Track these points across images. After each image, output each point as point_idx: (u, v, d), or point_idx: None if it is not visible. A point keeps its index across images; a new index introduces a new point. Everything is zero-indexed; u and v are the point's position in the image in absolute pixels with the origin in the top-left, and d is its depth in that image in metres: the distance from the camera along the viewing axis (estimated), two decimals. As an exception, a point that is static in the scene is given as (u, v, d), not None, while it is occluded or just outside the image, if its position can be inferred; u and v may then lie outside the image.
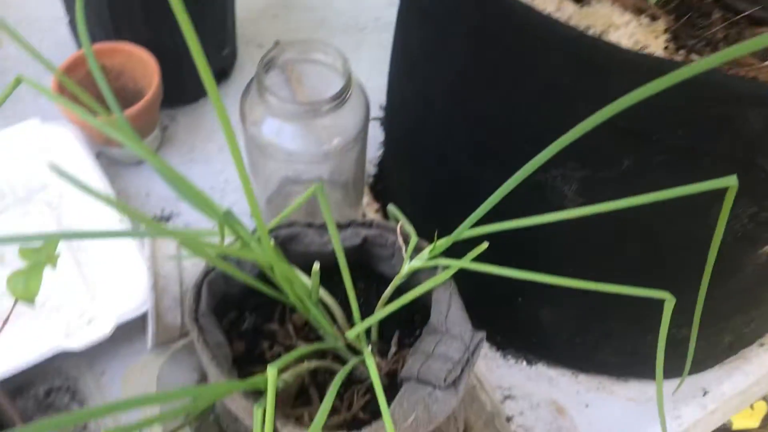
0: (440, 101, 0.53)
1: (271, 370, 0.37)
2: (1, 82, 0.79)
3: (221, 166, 0.75)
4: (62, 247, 0.66)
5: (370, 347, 0.43)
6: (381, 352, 0.48)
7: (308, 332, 0.49)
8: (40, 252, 0.36)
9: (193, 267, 0.57)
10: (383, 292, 0.45)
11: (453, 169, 0.55)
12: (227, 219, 0.38)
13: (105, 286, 0.62)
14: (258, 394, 0.39)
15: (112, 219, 0.64)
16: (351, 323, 0.46)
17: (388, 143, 0.72)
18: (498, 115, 0.48)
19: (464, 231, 0.41)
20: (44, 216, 0.69)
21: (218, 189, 0.73)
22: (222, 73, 0.81)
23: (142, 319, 0.60)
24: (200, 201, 0.38)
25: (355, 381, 0.47)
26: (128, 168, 0.73)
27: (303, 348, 0.42)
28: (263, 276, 0.44)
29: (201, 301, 0.43)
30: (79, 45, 0.78)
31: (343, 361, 0.47)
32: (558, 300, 0.56)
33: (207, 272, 0.45)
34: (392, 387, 0.44)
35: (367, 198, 0.72)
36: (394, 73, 0.61)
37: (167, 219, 0.71)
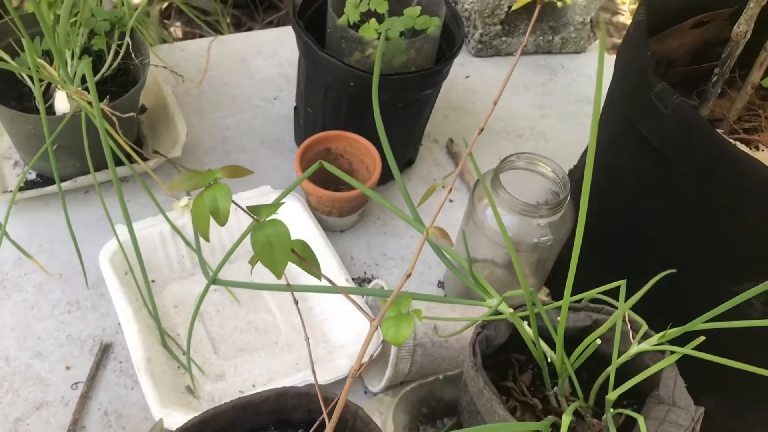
0: (649, 218, 0.65)
1: (566, 418, 0.49)
2: (233, 148, 0.93)
3: (409, 240, 0.88)
4: (286, 296, 0.79)
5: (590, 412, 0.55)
6: (594, 415, 0.59)
7: (534, 391, 0.60)
8: (399, 305, 0.49)
9: (423, 326, 0.69)
10: (591, 363, 0.57)
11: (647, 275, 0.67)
12: (533, 295, 0.51)
13: (335, 333, 0.74)
14: None
15: (338, 276, 0.77)
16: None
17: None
18: (706, 238, 0.61)
19: (696, 325, 0.53)
20: (269, 268, 0.82)
21: (407, 258, 0.86)
22: (408, 163, 0.95)
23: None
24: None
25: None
26: (335, 234, 0.87)
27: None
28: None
29: (477, 356, 0.55)
30: (302, 130, 0.92)
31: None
32: (723, 385, 0.67)
33: (477, 334, 0.57)
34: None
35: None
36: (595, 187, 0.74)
37: (369, 281, 0.83)
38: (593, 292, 0.54)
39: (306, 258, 0.46)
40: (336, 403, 0.42)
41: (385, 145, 0.56)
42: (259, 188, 0.84)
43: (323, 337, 0.75)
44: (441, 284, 0.85)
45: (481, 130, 0.41)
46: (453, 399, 0.70)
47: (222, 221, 0.36)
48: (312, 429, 0.47)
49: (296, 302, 0.46)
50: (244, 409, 0.47)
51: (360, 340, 0.72)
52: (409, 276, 0.41)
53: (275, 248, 0.38)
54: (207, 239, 0.37)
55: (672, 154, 0.61)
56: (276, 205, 0.40)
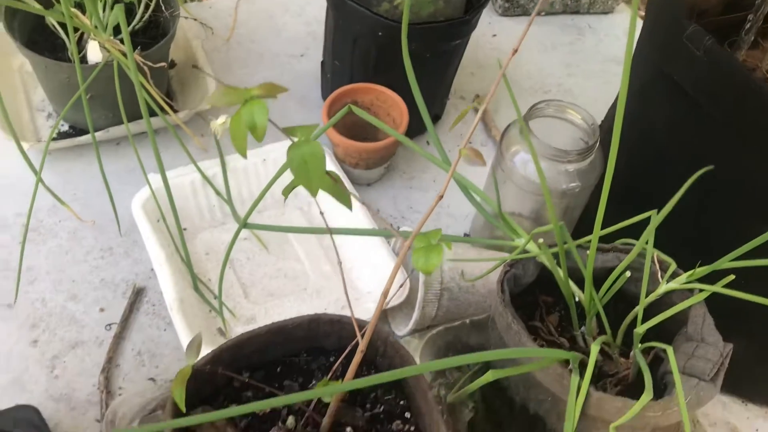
0: (679, 166, 0.65)
1: (594, 347, 0.50)
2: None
3: (435, 194, 0.88)
4: (314, 244, 0.80)
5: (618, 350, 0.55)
6: (621, 354, 0.60)
7: (561, 332, 0.61)
8: (427, 237, 0.49)
9: (450, 271, 0.70)
10: (619, 304, 0.58)
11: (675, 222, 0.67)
12: (563, 230, 0.51)
13: (362, 280, 0.75)
14: (565, 365, 0.51)
15: (365, 226, 0.78)
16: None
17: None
18: (737, 182, 0.61)
19: (724, 263, 0.53)
20: (297, 218, 0.83)
21: (434, 213, 0.87)
22: (435, 118, 0.95)
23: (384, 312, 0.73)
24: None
25: (604, 375, 0.58)
26: (362, 188, 0.87)
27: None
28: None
29: (505, 292, 0.56)
30: (329, 84, 0.92)
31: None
32: (750, 331, 0.67)
33: (506, 272, 0.57)
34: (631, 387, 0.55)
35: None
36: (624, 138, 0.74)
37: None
38: (622, 224, 0.54)
39: (338, 185, 0.46)
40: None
41: (415, 91, 0.56)
42: (285, 141, 0.84)
43: (351, 284, 0.76)
44: (467, 234, 0.85)
45: (499, 81, 0.41)
46: (479, 344, 0.71)
47: (259, 136, 0.37)
48: (343, 355, 0.48)
49: (327, 225, 0.47)
50: (278, 334, 0.48)
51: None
52: (441, 197, 0.42)
53: (310, 167, 0.39)
54: (244, 155, 0.38)
55: (704, 98, 0.61)
56: (312, 126, 0.41)
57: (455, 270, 0.69)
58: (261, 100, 0.38)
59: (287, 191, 0.48)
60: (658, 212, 0.49)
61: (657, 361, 0.57)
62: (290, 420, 0.48)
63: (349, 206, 0.48)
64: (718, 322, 0.56)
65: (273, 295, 0.75)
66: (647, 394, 0.46)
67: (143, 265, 0.77)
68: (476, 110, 1.01)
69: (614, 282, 0.53)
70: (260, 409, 0.36)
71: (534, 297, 0.62)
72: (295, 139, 0.40)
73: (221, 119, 0.39)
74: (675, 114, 0.66)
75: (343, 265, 0.78)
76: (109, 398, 0.67)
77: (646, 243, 0.53)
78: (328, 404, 0.47)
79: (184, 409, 0.39)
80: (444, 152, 0.59)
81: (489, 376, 0.49)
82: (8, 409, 0.62)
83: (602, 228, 0.51)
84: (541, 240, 0.51)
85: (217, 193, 0.78)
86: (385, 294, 0.43)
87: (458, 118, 0.47)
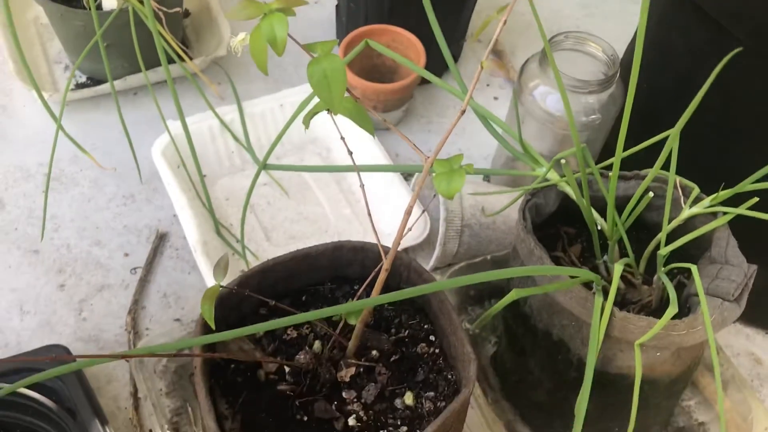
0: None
1: (618, 266, 0.50)
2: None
3: (453, 138, 0.88)
4: (334, 188, 0.80)
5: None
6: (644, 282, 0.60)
7: (584, 261, 0.61)
8: (449, 162, 0.49)
9: (471, 208, 0.69)
10: (641, 234, 0.58)
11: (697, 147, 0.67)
12: (585, 152, 0.51)
13: (382, 222, 0.76)
14: (588, 288, 0.52)
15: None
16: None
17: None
18: (760, 104, 0.60)
19: (745, 186, 0.52)
20: (317, 163, 0.83)
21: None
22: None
23: (406, 250, 0.74)
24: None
25: (627, 303, 0.58)
26: (380, 132, 0.87)
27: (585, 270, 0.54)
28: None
29: (527, 220, 0.56)
30: (344, 28, 0.92)
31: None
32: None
33: (527, 201, 0.57)
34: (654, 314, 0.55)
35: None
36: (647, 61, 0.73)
37: (411, 175, 0.84)
38: (644, 145, 0.53)
39: (358, 111, 0.46)
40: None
41: (434, 24, 0.55)
42: (302, 86, 0.84)
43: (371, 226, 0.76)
44: (487, 179, 0.85)
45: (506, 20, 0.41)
46: (500, 281, 0.71)
47: (279, 50, 0.37)
48: (367, 281, 0.49)
49: (350, 152, 0.47)
50: (303, 261, 0.49)
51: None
52: (463, 112, 0.42)
53: (331, 81, 0.39)
54: (265, 72, 0.38)
55: (726, 19, 0.59)
56: (332, 41, 0.40)
57: (476, 207, 0.69)
58: (280, 14, 0.37)
59: (307, 118, 0.48)
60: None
61: (680, 287, 0.57)
62: (317, 344, 0.49)
63: (371, 131, 0.48)
64: (742, 249, 0.56)
65: (294, 238, 0.76)
66: (672, 308, 0.46)
67: (165, 212, 0.77)
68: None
69: (636, 204, 0.52)
70: (286, 325, 0.36)
71: (556, 229, 0.62)
72: (315, 55, 0.40)
73: (240, 36, 0.39)
74: (697, 40, 0.65)
75: (363, 207, 0.78)
76: (137, 339, 0.68)
77: (668, 164, 0.52)
78: (353, 330, 0.48)
79: (213, 326, 0.39)
80: (465, 86, 0.58)
81: (513, 295, 0.49)
82: (39, 348, 0.63)
83: (624, 161, 0.50)
84: (563, 161, 0.50)
85: (236, 138, 0.79)
86: (408, 212, 0.43)
87: (483, 24, 0.46)
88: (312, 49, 0.40)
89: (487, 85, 0.94)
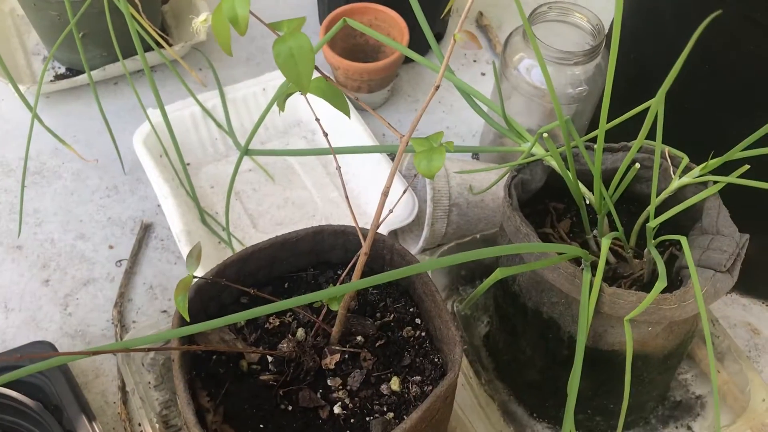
0: (689, 57, 0.63)
1: (605, 240, 0.49)
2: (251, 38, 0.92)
3: (441, 115, 0.87)
4: (320, 172, 0.79)
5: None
6: (635, 256, 0.58)
7: (573, 237, 0.60)
8: (429, 140, 0.48)
9: (458, 186, 0.68)
10: (632, 207, 0.56)
11: (686, 117, 0.65)
12: (569, 124, 0.49)
13: (370, 205, 0.74)
14: (577, 264, 0.50)
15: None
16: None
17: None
18: (750, 69, 0.58)
19: (735, 153, 0.51)
20: (302, 147, 0.81)
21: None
22: (437, 37, 0.93)
23: (395, 232, 0.72)
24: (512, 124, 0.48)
25: (618, 277, 0.57)
26: (365, 113, 0.85)
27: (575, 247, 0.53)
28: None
29: (513, 197, 0.54)
30: (326, 6, 0.90)
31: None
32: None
33: (513, 177, 0.56)
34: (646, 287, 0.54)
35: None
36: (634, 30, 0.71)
37: (401, 156, 0.82)
38: (625, 117, 0.52)
39: (332, 91, 0.45)
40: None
41: (414, 4, 0.54)
42: (286, 68, 0.83)
43: (358, 209, 0.75)
44: (476, 156, 0.84)
45: None
46: (491, 260, 0.70)
47: (241, 29, 0.36)
48: (350, 265, 0.48)
49: (325, 133, 0.45)
50: (282, 248, 0.48)
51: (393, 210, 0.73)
52: (437, 87, 0.40)
53: (298, 60, 0.37)
54: (229, 53, 0.37)
55: (713, -17, 0.58)
56: (299, 19, 0.39)
57: (463, 185, 0.68)
58: (241, -8, 0.36)
59: (282, 101, 0.47)
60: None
61: (672, 260, 0.56)
62: (300, 332, 0.48)
63: (347, 112, 0.46)
64: (733, 219, 0.54)
65: (281, 224, 0.75)
66: (661, 282, 0.45)
67: (149, 202, 0.76)
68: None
69: (623, 176, 0.51)
70: (267, 313, 0.35)
71: (544, 205, 0.60)
72: (281, 34, 0.38)
73: (202, 16, 0.38)
74: (684, 5, 0.63)
75: (350, 191, 0.77)
76: (124, 332, 0.67)
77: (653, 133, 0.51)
78: (336, 316, 0.47)
79: (187, 318, 0.38)
80: (449, 66, 0.57)
81: (497, 274, 0.48)
82: (24, 345, 0.62)
83: (609, 132, 0.49)
84: (546, 135, 0.49)
85: (218, 125, 0.77)
86: (385, 194, 0.41)
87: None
88: (278, 27, 0.38)
89: (474, 60, 0.93)
